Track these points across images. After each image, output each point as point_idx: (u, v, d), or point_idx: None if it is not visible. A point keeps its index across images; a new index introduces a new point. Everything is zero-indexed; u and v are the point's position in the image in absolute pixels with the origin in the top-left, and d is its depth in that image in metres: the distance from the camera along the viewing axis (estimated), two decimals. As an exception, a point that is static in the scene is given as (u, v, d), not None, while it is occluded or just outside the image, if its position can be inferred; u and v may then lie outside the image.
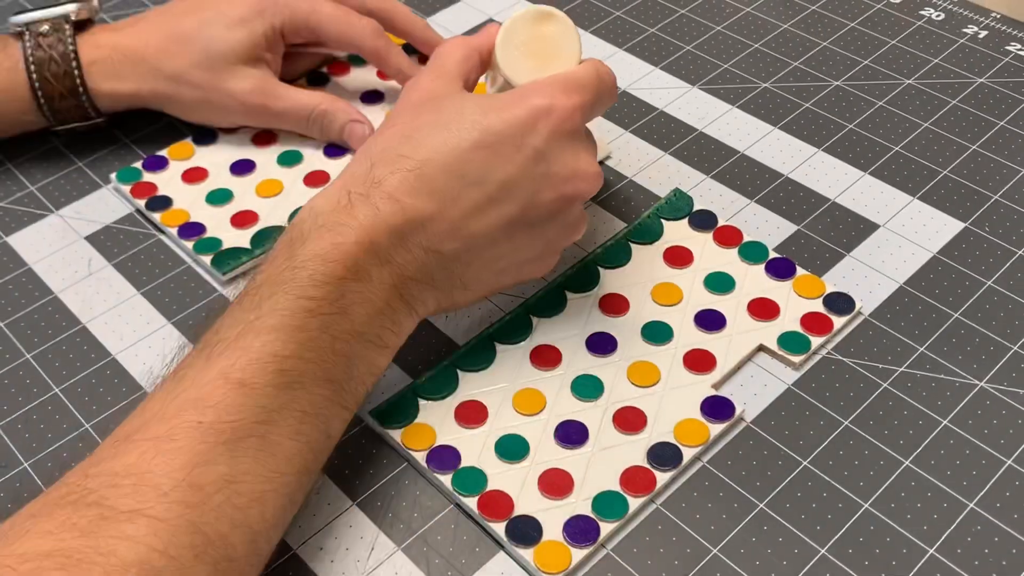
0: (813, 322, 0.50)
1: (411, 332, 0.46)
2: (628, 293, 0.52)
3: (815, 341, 0.49)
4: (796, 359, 0.49)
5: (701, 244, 0.54)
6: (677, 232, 0.55)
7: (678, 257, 0.54)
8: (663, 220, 0.56)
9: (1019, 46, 0.66)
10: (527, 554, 0.42)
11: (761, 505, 0.44)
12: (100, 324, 0.53)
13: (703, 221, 0.55)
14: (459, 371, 0.49)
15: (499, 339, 0.50)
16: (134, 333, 0.52)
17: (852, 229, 0.55)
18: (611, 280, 0.53)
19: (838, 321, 0.50)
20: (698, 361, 0.49)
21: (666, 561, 0.42)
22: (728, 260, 0.53)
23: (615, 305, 0.51)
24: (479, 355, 0.49)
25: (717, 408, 0.47)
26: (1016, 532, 0.43)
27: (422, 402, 0.48)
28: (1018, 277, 0.53)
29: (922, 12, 0.69)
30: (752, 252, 0.54)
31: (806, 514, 0.44)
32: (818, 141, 0.60)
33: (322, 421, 0.41)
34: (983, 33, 0.67)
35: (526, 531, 0.43)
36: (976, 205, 0.56)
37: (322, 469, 0.42)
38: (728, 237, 0.54)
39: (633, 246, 0.54)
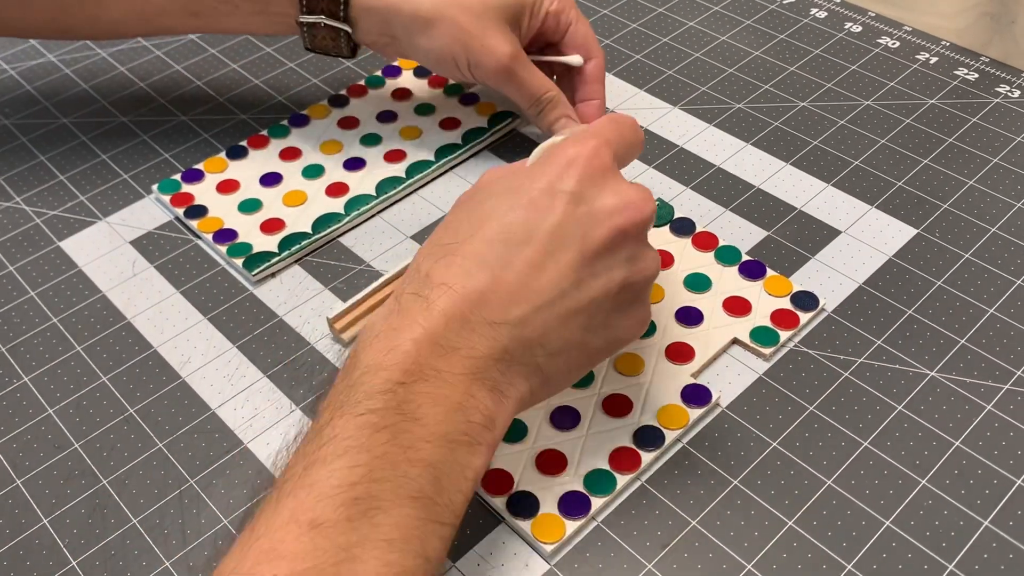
0: (782, 318, 0.50)
1: (509, 422, 0.38)
2: (616, 292, 0.52)
3: (783, 335, 0.50)
4: (766, 351, 0.49)
5: (681, 248, 0.54)
6: (659, 237, 0.55)
7: (660, 260, 0.54)
8: (647, 227, 0.56)
9: (966, 71, 0.66)
10: (525, 526, 0.42)
11: (735, 482, 0.44)
12: (143, 320, 0.53)
13: (683, 227, 0.55)
14: (465, 362, 0.49)
15: (500, 333, 0.50)
16: (173, 328, 0.52)
17: (816, 235, 0.55)
18: (601, 280, 0.53)
19: (804, 317, 0.50)
20: (679, 353, 0.49)
21: (650, 532, 0.42)
22: (705, 262, 0.53)
23: (604, 303, 0.51)
24: (483, 348, 0.49)
25: (696, 395, 0.47)
26: (963, 506, 0.43)
27: (431, 390, 0.48)
28: (965, 278, 0.53)
29: (879, 40, 0.69)
30: (727, 255, 0.54)
31: (775, 490, 0.44)
32: (786, 156, 0.60)
33: (415, 544, 0.33)
34: (934, 59, 0.67)
35: (525, 505, 0.43)
36: (927, 213, 0.56)
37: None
38: (705, 242, 0.54)
39: (620, 250, 0.54)
